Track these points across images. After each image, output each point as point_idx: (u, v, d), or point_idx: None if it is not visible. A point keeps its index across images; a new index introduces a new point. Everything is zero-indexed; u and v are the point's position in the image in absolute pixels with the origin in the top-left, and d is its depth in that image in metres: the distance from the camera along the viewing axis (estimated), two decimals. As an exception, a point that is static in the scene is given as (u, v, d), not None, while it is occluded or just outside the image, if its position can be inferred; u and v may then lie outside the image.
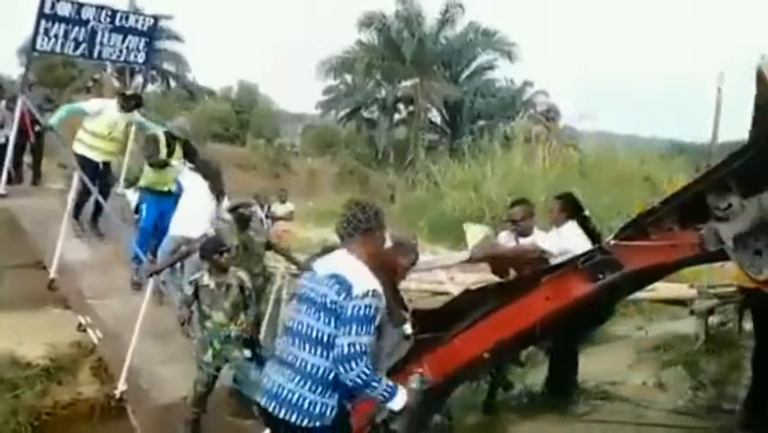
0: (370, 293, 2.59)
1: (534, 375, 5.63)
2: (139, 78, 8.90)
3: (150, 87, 25.03)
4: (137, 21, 8.19)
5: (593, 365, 5.42)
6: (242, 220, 5.83)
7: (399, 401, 2.65)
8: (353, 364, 2.53)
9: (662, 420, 4.54)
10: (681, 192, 3.33)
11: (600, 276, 3.37)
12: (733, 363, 5.52)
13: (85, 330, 6.30)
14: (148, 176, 6.87)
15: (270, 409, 2.70)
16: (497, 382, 4.87)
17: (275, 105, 33.34)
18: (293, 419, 2.64)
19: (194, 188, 6.23)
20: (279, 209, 11.57)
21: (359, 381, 2.56)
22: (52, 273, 6.68)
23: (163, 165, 6.67)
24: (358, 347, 2.54)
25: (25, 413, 5.85)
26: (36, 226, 7.20)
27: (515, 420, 4.67)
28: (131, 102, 7.15)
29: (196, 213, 6.09)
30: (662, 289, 6.23)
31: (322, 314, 2.64)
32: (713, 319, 6.27)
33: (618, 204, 10.57)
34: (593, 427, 4.49)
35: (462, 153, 17.33)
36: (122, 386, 5.66)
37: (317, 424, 2.64)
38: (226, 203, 6.27)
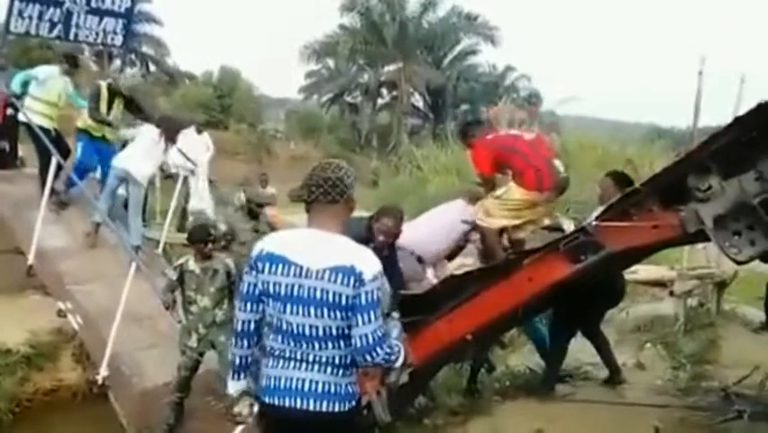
0: (379, 274, 2.40)
1: (516, 357, 5.69)
2: (117, 62, 8.78)
3: (129, 71, 24.62)
4: (114, 3, 8.06)
5: (576, 347, 5.47)
6: (253, 213, 5.99)
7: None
8: (378, 350, 2.38)
9: (642, 400, 4.60)
10: (663, 174, 3.34)
11: (582, 258, 3.39)
12: (710, 343, 5.62)
13: (65, 316, 6.22)
14: (86, 120, 7.17)
15: (292, 405, 2.41)
16: (479, 364, 4.91)
17: (257, 89, 33.07)
18: (323, 407, 2.40)
19: (146, 133, 6.88)
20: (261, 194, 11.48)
21: (383, 361, 2.43)
22: (31, 259, 6.60)
23: (101, 123, 7.05)
24: (380, 332, 2.37)
25: (6, 400, 5.77)
26: (14, 212, 7.09)
27: (497, 402, 4.70)
28: (72, 63, 7.50)
29: (141, 151, 6.73)
30: (644, 271, 6.29)
31: (326, 310, 2.36)
32: (692, 301, 6.37)
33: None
34: (574, 407, 4.54)
35: (445, 138, 17.32)
36: (104, 372, 5.62)
37: (347, 408, 2.43)
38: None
